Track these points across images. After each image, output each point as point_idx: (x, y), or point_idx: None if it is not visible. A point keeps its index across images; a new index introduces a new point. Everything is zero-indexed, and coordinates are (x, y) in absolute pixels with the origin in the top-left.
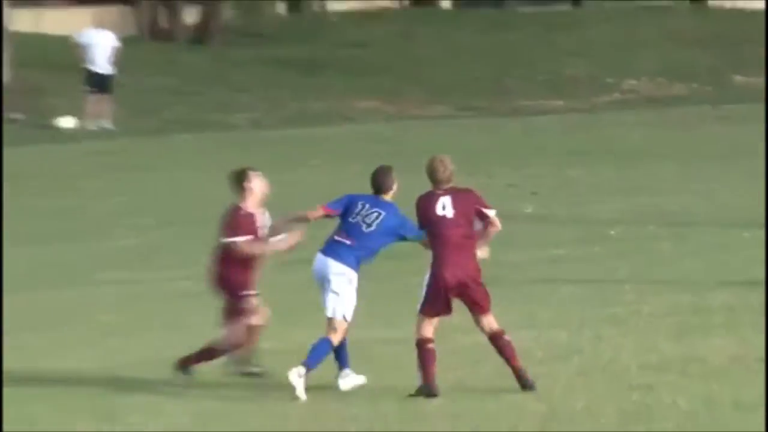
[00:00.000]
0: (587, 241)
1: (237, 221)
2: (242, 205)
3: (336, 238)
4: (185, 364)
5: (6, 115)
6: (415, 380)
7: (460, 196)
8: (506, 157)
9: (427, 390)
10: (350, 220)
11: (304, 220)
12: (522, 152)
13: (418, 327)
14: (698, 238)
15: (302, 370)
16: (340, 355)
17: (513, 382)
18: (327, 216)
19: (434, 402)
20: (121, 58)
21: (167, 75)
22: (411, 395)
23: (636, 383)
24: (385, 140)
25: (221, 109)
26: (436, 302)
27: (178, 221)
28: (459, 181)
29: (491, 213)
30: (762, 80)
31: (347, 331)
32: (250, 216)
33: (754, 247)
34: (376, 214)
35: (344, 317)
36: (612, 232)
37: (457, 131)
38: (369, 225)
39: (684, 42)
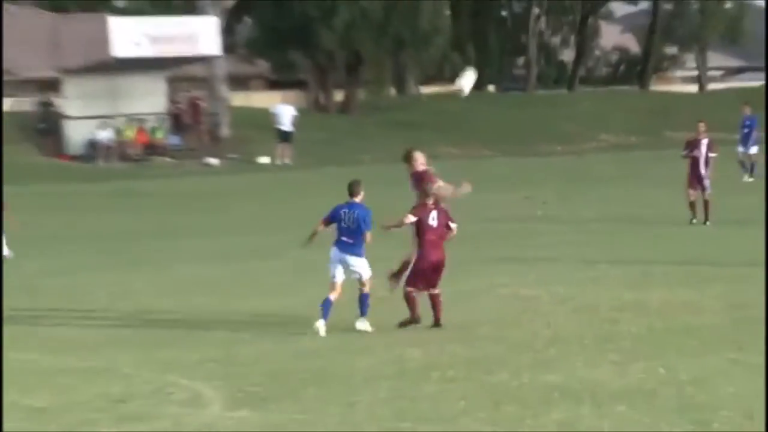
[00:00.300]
0: (578, 233)
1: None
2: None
3: (343, 239)
4: (396, 276)
5: (227, 155)
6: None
7: (441, 211)
8: (526, 180)
9: (414, 320)
10: (343, 225)
11: (315, 229)
12: (536, 178)
13: (405, 290)
14: (648, 232)
15: (362, 318)
16: (328, 307)
17: (531, 317)
18: (325, 225)
19: (481, 330)
20: (297, 122)
21: (323, 132)
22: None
23: (606, 317)
24: (456, 171)
25: (355, 152)
26: (419, 276)
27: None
28: (498, 196)
29: (454, 226)
30: (684, 134)
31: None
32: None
33: (682, 238)
34: (353, 214)
35: (370, 277)
36: (592, 227)
37: (497, 165)
38: (352, 223)
39: (635, 111)
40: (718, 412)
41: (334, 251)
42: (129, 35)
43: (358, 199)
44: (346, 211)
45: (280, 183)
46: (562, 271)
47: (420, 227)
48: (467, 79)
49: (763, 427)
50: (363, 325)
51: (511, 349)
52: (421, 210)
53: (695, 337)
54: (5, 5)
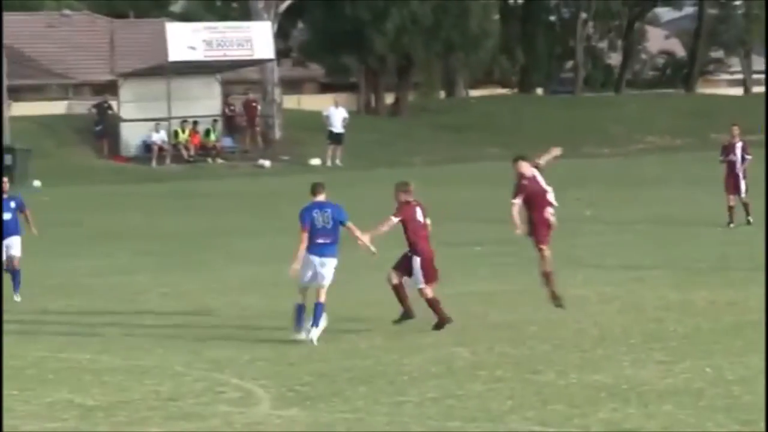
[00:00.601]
0: (623, 233)
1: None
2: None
3: (318, 241)
4: (555, 297)
5: (278, 157)
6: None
7: (422, 207)
8: (575, 182)
9: (447, 320)
10: (318, 226)
11: (303, 245)
12: (584, 179)
13: (425, 291)
14: (692, 232)
15: (315, 329)
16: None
17: (578, 317)
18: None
19: (529, 330)
20: (348, 124)
21: (374, 134)
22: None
23: (652, 317)
24: (502, 172)
25: (406, 154)
26: (432, 272)
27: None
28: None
29: (428, 221)
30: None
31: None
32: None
33: (725, 238)
34: (327, 213)
35: (328, 285)
36: (638, 227)
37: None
38: (328, 222)
39: (681, 114)
40: (764, 411)
41: (310, 258)
42: (185, 40)
43: (322, 198)
44: (318, 211)
45: (330, 184)
46: (608, 272)
47: (411, 226)
48: None
49: None
50: (316, 333)
51: (558, 349)
52: (406, 210)
53: (741, 337)
54: (64, 11)
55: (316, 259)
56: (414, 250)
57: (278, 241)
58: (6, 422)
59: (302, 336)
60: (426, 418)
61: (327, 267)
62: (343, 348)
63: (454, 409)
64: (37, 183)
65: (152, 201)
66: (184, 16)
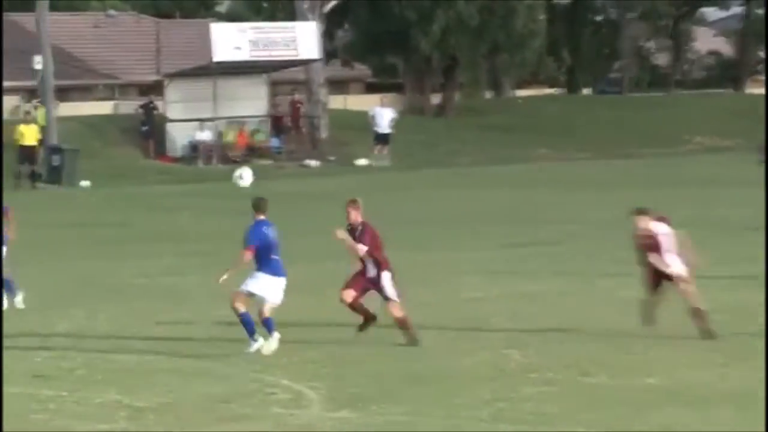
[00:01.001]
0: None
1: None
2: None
3: (273, 257)
4: (648, 321)
5: (325, 157)
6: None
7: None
8: (621, 182)
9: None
10: (269, 243)
11: (242, 264)
12: (631, 179)
13: (397, 308)
14: (744, 233)
15: (274, 333)
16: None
17: (630, 318)
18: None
19: (580, 331)
20: (395, 124)
21: (420, 134)
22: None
23: None
24: (550, 173)
25: (451, 154)
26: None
27: (427, 219)
28: (597, 196)
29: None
30: None
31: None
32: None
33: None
34: (273, 232)
35: (276, 305)
36: (688, 229)
37: (593, 167)
38: (274, 240)
39: (730, 114)
40: (764, 415)
41: (268, 277)
42: (230, 40)
43: (266, 216)
44: (267, 228)
45: (377, 185)
46: None
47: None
48: (245, 176)
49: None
50: (274, 342)
51: (610, 351)
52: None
53: None
54: (109, 11)
55: (275, 279)
56: (386, 266)
57: (326, 241)
58: (57, 422)
59: (260, 342)
60: (478, 421)
61: (282, 288)
62: (393, 350)
63: (505, 412)
64: (86, 183)
65: (199, 201)
66: (230, 17)
